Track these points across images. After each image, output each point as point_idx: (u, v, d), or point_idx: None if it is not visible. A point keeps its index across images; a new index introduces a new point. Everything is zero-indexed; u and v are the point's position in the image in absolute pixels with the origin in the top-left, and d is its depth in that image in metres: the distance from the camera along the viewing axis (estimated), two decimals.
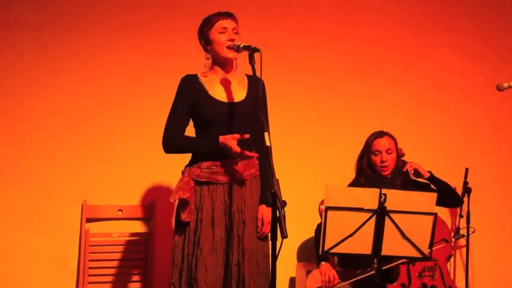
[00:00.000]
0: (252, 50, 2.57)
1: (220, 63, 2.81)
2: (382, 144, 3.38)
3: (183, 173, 2.82)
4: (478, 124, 4.39)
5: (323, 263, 3.28)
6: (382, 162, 3.36)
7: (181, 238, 2.76)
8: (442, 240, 3.44)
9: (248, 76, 2.84)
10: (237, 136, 2.67)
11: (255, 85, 2.56)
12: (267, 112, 2.87)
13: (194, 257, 2.70)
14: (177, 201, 2.78)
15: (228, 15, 2.78)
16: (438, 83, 4.37)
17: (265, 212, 2.77)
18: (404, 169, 3.41)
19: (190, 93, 2.79)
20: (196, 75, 2.84)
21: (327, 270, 3.25)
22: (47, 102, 3.89)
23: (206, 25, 2.78)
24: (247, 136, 2.69)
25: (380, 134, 3.42)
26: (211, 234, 2.72)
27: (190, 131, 2.87)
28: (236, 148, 2.65)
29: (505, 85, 2.86)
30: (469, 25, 4.43)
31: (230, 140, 2.66)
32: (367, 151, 3.42)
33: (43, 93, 3.88)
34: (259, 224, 2.77)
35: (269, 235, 2.40)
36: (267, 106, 2.90)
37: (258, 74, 2.53)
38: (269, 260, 2.75)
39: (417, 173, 3.42)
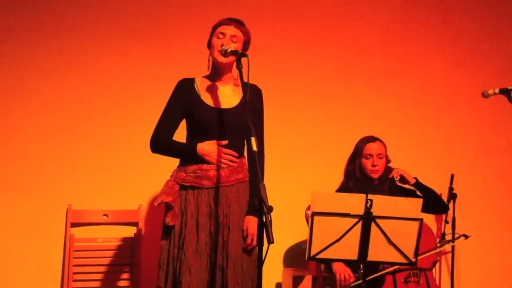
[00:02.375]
0: (239, 55, 2.59)
1: (217, 68, 2.83)
2: (373, 148, 3.42)
3: (171, 176, 2.83)
4: (464, 130, 4.42)
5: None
6: (374, 166, 3.39)
7: (167, 242, 2.77)
8: (462, 235, 3.46)
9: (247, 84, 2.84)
10: (214, 141, 2.73)
11: (244, 90, 2.56)
12: (261, 120, 2.87)
13: (179, 260, 2.70)
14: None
15: (232, 22, 2.78)
16: (424, 89, 4.40)
17: (250, 223, 2.75)
18: (390, 176, 3.43)
19: (183, 97, 2.81)
20: (193, 79, 2.86)
21: (341, 268, 3.23)
22: (33, 107, 3.85)
23: (212, 31, 2.82)
24: (224, 142, 2.73)
25: (372, 139, 3.46)
26: (196, 238, 2.71)
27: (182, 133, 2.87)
28: (214, 158, 2.71)
29: (490, 92, 2.88)
30: (456, 33, 4.46)
31: (211, 146, 2.72)
32: (358, 155, 3.44)
33: (29, 97, 3.85)
34: (244, 235, 2.74)
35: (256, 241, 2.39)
36: (263, 115, 2.89)
37: (245, 79, 2.54)
38: (256, 266, 2.73)
39: (403, 179, 3.44)
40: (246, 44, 2.83)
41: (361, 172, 3.44)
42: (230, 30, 2.76)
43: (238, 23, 2.80)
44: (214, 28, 2.80)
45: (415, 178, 3.45)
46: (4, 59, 3.83)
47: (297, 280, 3.82)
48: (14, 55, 3.84)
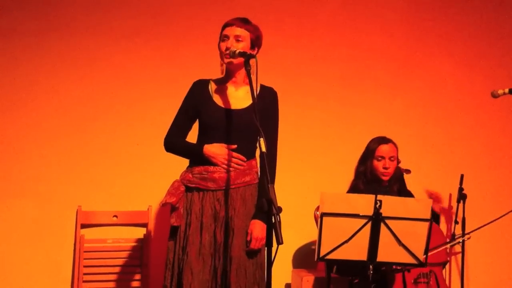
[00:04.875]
0: (247, 57, 2.58)
1: (228, 70, 2.82)
2: (386, 150, 3.40)
3: (180, 177, 2.84)
4: (473, 130, 4.41)
5: None
6: (385, 168, 3.38)
7: (173, 242, 2.77)
8: None
9: (260, 86, 2.82)
10: (223, 144, 2.72)
11: (253, 91, 2.54)
12: (274, 123, 2.84)
13: (182, 261, 2.70)
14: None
15: (234, 21, 2.76)
16: (433, 90, 4.38)
17: (256, 227, 2.70)
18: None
19: (195, 98, 2.82)
20: (208, 80, 2.86)
21: None
22: (42, 108, 3.87)
23: (219, 35, 2.80)
24: (233, 146, 2.72)
25: (384, 141, 3.44)
26: (199, 239, 2.70)
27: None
28: (220, 161, 2.71)
29: (500, 92, 2.88)
30: (464, 34, 4.45)
31: (218, 148, 2.72)
32: (369, 156, 3.43)
33: (38, 99, 3.87)
34: (248, 238, 2.71)
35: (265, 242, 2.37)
36: (277, 118, 2.85)
37: (253, 81, 2.53)
38: (263, 269, 2.71)
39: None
40: (254, 42, 2.78)
41: (371, 173, 3.43)
42: (233, 30, 2.74)
43: (242, 22, 2.76)
44: (220, 32, 2.79)
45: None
46: (12, 61, 3.84)
47: (306, 281, 3.81)
48: (23, 57, 3.86)
